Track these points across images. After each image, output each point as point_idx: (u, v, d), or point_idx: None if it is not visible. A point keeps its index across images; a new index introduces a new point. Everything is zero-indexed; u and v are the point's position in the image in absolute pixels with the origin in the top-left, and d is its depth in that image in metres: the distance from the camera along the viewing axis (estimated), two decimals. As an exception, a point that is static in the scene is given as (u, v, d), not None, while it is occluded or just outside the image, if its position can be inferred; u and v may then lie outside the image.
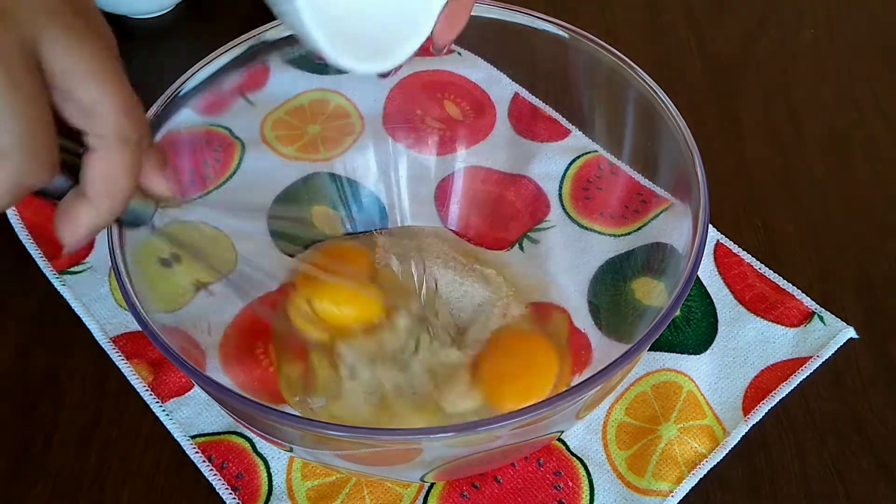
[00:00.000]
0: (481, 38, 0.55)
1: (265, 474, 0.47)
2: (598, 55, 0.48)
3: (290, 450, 0.44)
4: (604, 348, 0.49)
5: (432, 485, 0.46)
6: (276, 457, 0.48)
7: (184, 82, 0.46)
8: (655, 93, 0.46)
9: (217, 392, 0.36)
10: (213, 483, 0.46)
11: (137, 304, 0.37)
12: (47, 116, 0.27)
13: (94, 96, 0.28)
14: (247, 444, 0.48)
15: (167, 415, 0.49)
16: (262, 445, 0.48)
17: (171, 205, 0.37)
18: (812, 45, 0.71)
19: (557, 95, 0.59)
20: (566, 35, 0.49)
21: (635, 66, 0.47)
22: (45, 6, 0.27)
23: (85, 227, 0.31)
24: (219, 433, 0.48)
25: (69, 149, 0.30)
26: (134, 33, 0.69)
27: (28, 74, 0.27)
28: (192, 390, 0.50)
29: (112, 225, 0.38)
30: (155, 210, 0.36)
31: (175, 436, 0.48)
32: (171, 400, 0.49)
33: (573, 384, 0.36)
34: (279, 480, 0.47)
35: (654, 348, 0.51)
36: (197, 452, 0.47)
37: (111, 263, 0.39)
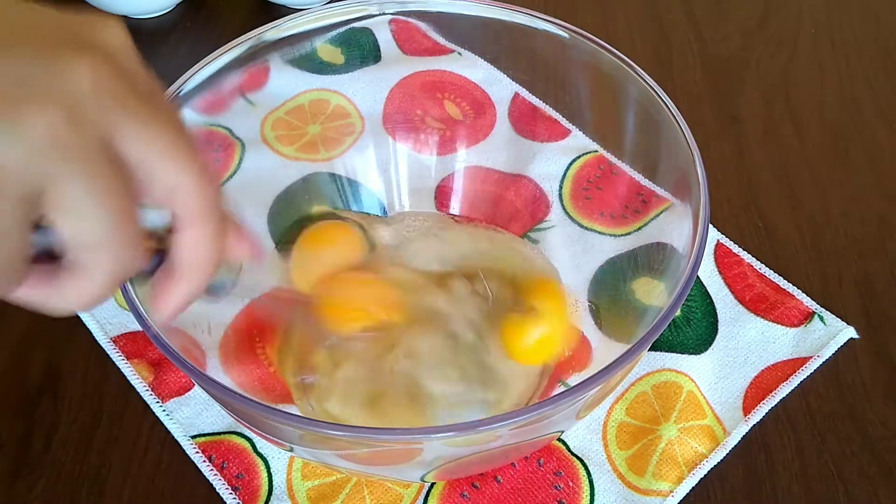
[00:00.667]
0: (481, 37, 0.55)
1: (265, 474, 0.47)
2: (598, 55, 0.48)
3: (291, 449, 0.44)
4: (604, 348, 0.49)
5: (432, 485, 0.46)
6: (277, 457, 0.48)
7: (184, 82, 0.46)
8: (655, 92, 0.46)
9: (218, 392, 0.36)
10: (214, 483, 0.46)
11: (138, 303, 0.37)
12: (133, 205, 0.28)
13: (174, 178, 0.29)
14: (247, 444, 0.48)
15: (167, 415, 0.49)
16: (263, 445, 0.48)
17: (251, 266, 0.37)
18: (812, 45, 0.71)
19: (557, 95, 0.59)
20: (566, 35, 0.49)
21: (635, 66, 0.47)
22: (113, 97, 0.27)
23: (180, 302, 0.32)
24: (219, 433, 0.48)
25: (151, 232, 0.31)
26: (134, 33, 0.68)
27: (110, 168, 0.27)
28: (192, 390, 0.50)
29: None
30: (236, 277, 0.36)
31: (175, 436, 0.48)
32: (172, 400, 0.49)
33: (573, 384, 0.36)
34: (279, 480, 0.47)
35: (654, 348, 0.51)
36: (197, 452, 0.47)
37: None
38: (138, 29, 0.69)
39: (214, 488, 0.46)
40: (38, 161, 0.25)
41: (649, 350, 0.49)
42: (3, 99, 0.25)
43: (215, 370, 0.45)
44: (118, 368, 0.50)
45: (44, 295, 0.29)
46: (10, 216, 0.26)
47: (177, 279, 0.32)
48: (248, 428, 0.43)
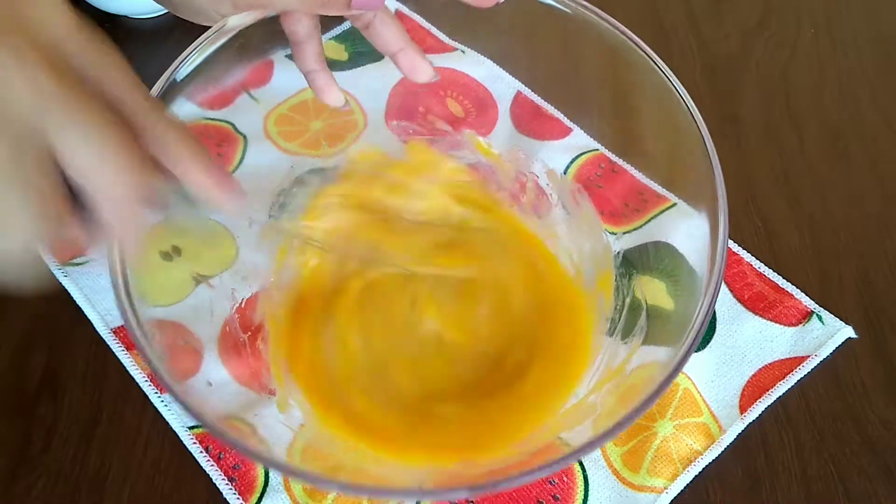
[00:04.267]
0: (484, 34, 0.55)
1: (261, 467, 0.47)
2: (601, 51, 0.48)
3: None
4: (604, 348, 0.49)
5: (430, 480, 0.47)
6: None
7: (185, 76, 0.46)
8: (658, 92, 0.46)
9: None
10: (210, 473, 0.47)
11: (124, 298, 0.37)
12: (56, 194, 0.31)
13: (87, 164, 0.30)
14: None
15: (166, 406, 0.49)
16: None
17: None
18: (812, 45, 0.71)
19: (559, 93, 0.59)
20: (569, 10, 0.48)
21: (641, 64, 0.47)
22: (48, 108, 0.29)
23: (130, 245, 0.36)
24: (217, 425, 0.48)
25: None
26: (134, 33, 0.69)
27: (38, 169, 0.30)
28: (190, 381, 0.50)
29: None
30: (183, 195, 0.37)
31: (173, 427, 0.48)
32: (171, 392, 0.49)
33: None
34: (275, 473, 0.47)
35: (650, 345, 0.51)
36: (195, 443, 0.48)
37: (107, 256, 0.39)
38: (138, 29, 0.69)
39: (212, 481, 0.46)
40: None
41: (645, 345, 0.49)
42: None
43: (213, 363, 0.45)
44: (118, 366, 0.51)
45: None
46: None
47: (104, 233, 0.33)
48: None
